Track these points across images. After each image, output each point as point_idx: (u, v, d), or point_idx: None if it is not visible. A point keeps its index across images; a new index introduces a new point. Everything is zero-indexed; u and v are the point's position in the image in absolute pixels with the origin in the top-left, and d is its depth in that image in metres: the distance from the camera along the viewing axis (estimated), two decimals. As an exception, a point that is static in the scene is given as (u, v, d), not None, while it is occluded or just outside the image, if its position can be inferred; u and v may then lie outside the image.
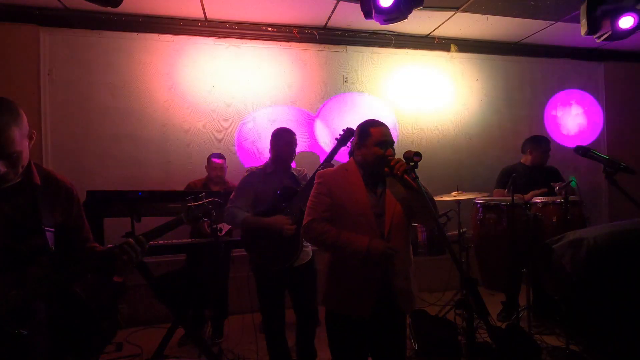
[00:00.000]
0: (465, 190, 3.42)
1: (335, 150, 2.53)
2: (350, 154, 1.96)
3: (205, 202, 1.63)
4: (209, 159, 3.61)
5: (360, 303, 1.66)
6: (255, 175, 2.49)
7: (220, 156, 3.61)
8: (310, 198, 1.79)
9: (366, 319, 1.67)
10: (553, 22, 4.25)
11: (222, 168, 3.56)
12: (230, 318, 3.56)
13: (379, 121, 1.79)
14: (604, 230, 2.06)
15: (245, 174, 2.55)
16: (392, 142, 1.74)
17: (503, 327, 3.20)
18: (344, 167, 1.83)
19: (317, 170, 2.09)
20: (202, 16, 3.96)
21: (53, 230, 1.31)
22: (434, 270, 4.03)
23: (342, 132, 2.51)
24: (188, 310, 3.01)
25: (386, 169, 1.65)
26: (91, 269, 1.32)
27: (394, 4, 2.83)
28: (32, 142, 1.31)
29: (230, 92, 4.19)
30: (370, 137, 1.73)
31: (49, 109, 3.76)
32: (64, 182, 1.41)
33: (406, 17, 2.92)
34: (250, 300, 3.50)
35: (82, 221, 1.45)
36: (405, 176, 1.56)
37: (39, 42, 3.69)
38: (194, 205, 1.60)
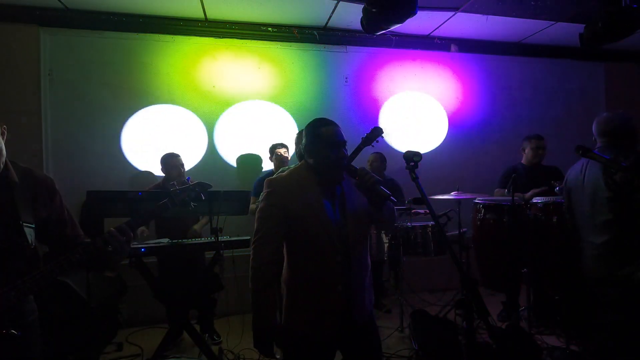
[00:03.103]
0: (465, 190, 3.42)
1: (358, 150, 2.22)
2: (300, 157, 1.80)
3: (192, 186, 1.55)
4: (166, 159, 3.38)
5: (320, 326, 1.53)
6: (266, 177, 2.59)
7: (176, 155, 3.42)
8: (259, 209, 1.57)
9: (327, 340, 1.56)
10: (553, 22, 4.24)
11: (182, 166, 3.40)
12: (230, 318, 3.56)
13: (328, 120, 1.60)
14: None
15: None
16: (344, 142, 1.57)
17: (503, 327, 3.20)
18: (295, 172, 1.61)
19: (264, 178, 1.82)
20: (202, 16, 3.96)
21: (33, 226, 1.29)
22: (434, 270, 4.04)
23: (368, 132, 2.24)
24: (188, 310, 3.01)
25: (357, 178, 1.50)
26: (76, 263, 1.26)
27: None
28: (4, 138, 1.30)
29: (230, 93, 4.19)
30: (321, 138, 1.54)
31: (49, 109, 3.76)
32: (43, 177, 1.39)
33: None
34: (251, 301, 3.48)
35: (66, 215, 1.43)
36: (374, 186, 1.44)
37: (39, 42, 3.69)
38: (179, 189, 1.52)
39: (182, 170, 3.41)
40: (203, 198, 1.57)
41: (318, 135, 1.56)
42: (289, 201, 1.52)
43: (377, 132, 2.18)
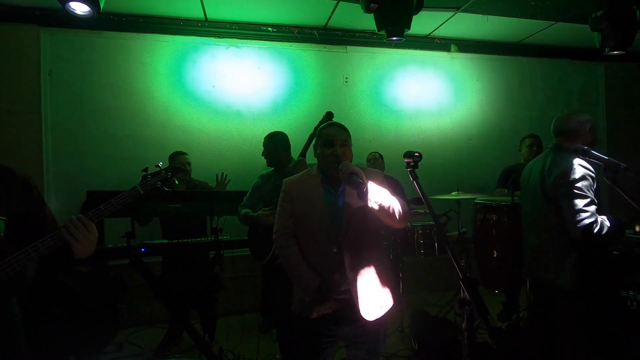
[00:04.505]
0: (465, 190, 3.42)
1: (312, 137, 2.43)
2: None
3: (164, 171, 1.55)
4: (173, 157, 3.45)
5: (318, 309, 1.65)
6: (260, 178, 2.77)
7: (182, 153, 3.50)
8: (277, 206, 1.79)
9: (328, 319, 1.65)
10: (553, 22, 4.25)
11: (189, 164, 3.45)
12: (230, 318, 3.57)
13: (333, 122, 1.81)
14: None
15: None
16: (340, 140, 1.68)
17: (503, 327, 3.20)
18: (308, 172, 1.81)
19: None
20: (203, 16, 3.97)
21: (4, 218, 1.33)
22: (434, 270, 4.04)
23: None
24: (188, 310, 3.02)
25: (340, 173, 1.59)
26: (44, 251, 1.25)
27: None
28: None
29: (230, 93, 4.19)
30: (320, 138, 1.74)
31: (49, 109, 3.76)
32: (20, 175, 1.43)
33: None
34: (251, 301, 3.51)
35: (45, 212, 1.45)
36: (350, 177, 1.50)
37: (39, 43, 3.69)
38: (149, 174, 1.53)
39: (188, 169, 3.43)
40: (177, 182, 1.57)
41: (319, 135, 1.75)
42: (296, 198, 1.73)
43: (329, 116, 2.35)
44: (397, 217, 1.63)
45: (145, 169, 1.57)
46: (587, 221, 1.90)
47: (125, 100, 3.94)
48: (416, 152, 1.59)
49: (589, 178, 1.99)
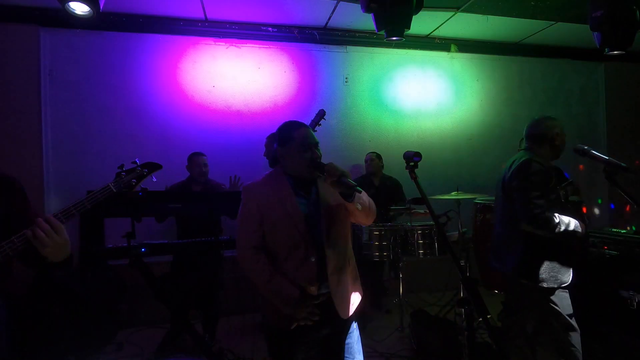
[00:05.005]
0: (465, 190, 3.42)
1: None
2: (273, 162, 1.86)
3: (139, 168, 1.48)
4: (190, 157, 3.52)
5: (298, 327, 1.57)
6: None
7: (201, 154, 3.53)
8: (238, 215, 1.65)
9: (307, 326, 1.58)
10: (553, 22, 4.25)
11: (205, 165, 3.49)
12: (230, 318, 3.56)
13: (299, 122, 1.67)
14: None
15: None
16: (316, 142, 1.62)
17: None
18: (270, 177, 1.68)
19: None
20: (203, 16, 3.97)
21: None
22: (434, 270, 4.04)
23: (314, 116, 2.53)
24: (188, 310, 3.02)
25: (325, 174, 1.52)
26: (18, 249, 1.20)
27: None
28: None
29: (230, 93, 4.19)
30: (294, 141, 1.60)
31: (49, 109, 3.76)
32: (5, 176, 1.40)
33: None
34: (250, 301, 3.49)
35: (31, 214, 1.41)
36: (340, 180, 1.45)
37: (39, 43, 3.69)
38: (123, 171, 1.47)
39: (204, 169, 3.47)
40: (154, 180, 1.51)
41: (291, 138, 1.60)
42: (264, 204, 1.59)
43: (321, 114, 2.34)
44: (372, 214, 1.64)
45: (121, 166, 1.52)
46: (534, 212, 1.99)
47: (125, 100, 3.94)
48: (416, 152, 1.60)
49: (543, 174, 2.07)
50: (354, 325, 1.72)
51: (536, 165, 2.08)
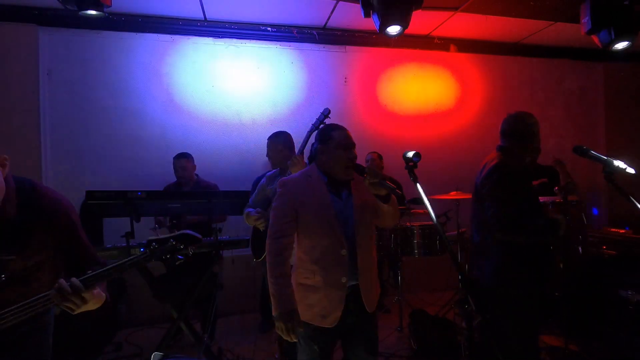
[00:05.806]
0: (465, 190, 3.42)
1: (310, 134, 2.48)
2: (312, 159, 1.94)
3: (172, 240, 1.30)
4: (174, 159, 3.50)
5: (327, 318, 1.64)
6: (266, 178, 2.70)
7: (181, 156, 3.51)
8: (273, 208, 1.73)
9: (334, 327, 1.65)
10: (553, 22, 4.25)
11: (184, 168, 3.47)
12: (230, 318, 3.57)
13: (339, 125, 1.79)
14: None
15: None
16: (354, 144, 1.74)
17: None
18: (306, 173, 1.78)
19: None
20: (202, 16, 3.96)
21: (13, 258, 1.20)
22: (433, 270, 4.04)
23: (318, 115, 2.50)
24: (188, 310, 3.01)
25: (365, 176, 1.63)
26: (31, 313, 1.19)
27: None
28: (6, 169, 1.22)
29: (229, 92, 4.19)
30: (333, 140, 1.71)
31: (49, 109, 3.76)
32: (48, 205, 1.26)
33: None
34: (251, 301, 3.51)
35: (79, 240, 1.34)
36: (382, 184, 1.58)
37: (38, 42, 3.68)
38: (155, 240, 1.31)
39: (186, 173, 3.45)
40: (191, 253, 1.33)
41: (330, 137, 1.72)
42: (300, 200, 1.68)
43: (325, 112, 2.38)
44: (398, 216, 1.73)
45: (155, 232, 1.37)
46: (505, 222, 1.86)
47: (124, 100, 3.93)
48: (415, 152, 1.60)
49: (514, 179, 1.94)
50: (375, 324, 1.79)
51: (506, 169, 1.96)
